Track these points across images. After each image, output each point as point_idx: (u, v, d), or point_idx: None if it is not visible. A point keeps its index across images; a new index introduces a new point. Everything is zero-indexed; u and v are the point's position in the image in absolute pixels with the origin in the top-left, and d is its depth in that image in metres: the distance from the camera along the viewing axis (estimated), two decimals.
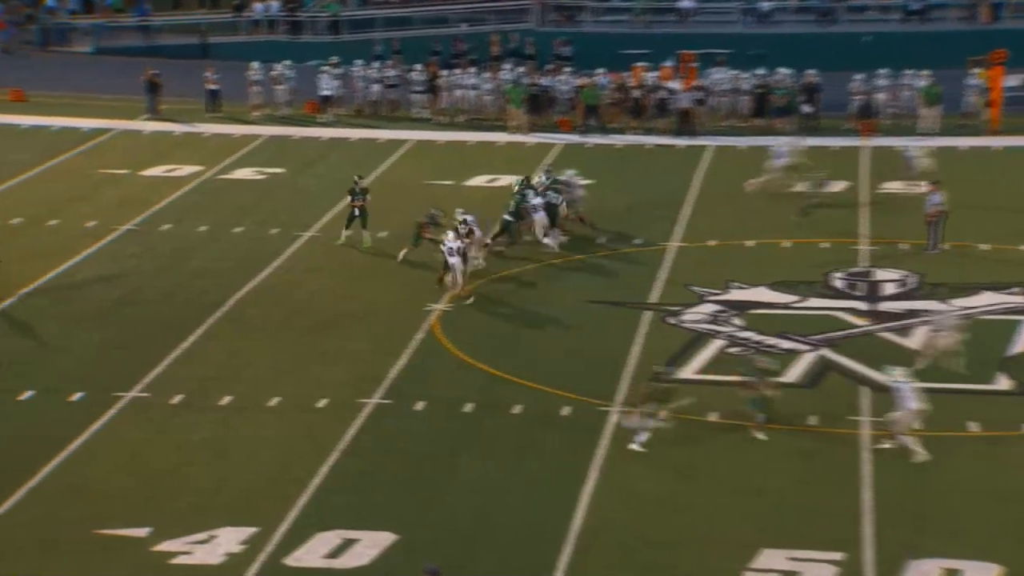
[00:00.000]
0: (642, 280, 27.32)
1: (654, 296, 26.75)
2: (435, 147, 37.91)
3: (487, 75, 41.04)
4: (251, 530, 18.68)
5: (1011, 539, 17.95)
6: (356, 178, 29.89)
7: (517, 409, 22.20)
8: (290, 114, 40.58)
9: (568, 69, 41.04)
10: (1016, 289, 26.19)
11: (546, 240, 28.87)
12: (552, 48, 44.22)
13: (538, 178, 30.38)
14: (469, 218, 27.26)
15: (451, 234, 26.54)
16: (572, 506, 19.12)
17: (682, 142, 37.62)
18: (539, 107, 39.47)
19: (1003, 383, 22.59)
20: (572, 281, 27.59)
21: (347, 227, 29.47)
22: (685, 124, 38.27)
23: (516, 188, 29.61)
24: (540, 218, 28.94)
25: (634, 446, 20.49)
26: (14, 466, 20.40)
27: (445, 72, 41.23)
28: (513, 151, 37.34)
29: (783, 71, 39.10)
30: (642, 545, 18.31)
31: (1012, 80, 38.43)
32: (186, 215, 31.84)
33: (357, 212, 29.26)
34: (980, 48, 39.62)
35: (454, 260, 26.20)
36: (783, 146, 33.14)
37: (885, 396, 22.07)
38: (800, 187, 31.57)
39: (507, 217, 28.93)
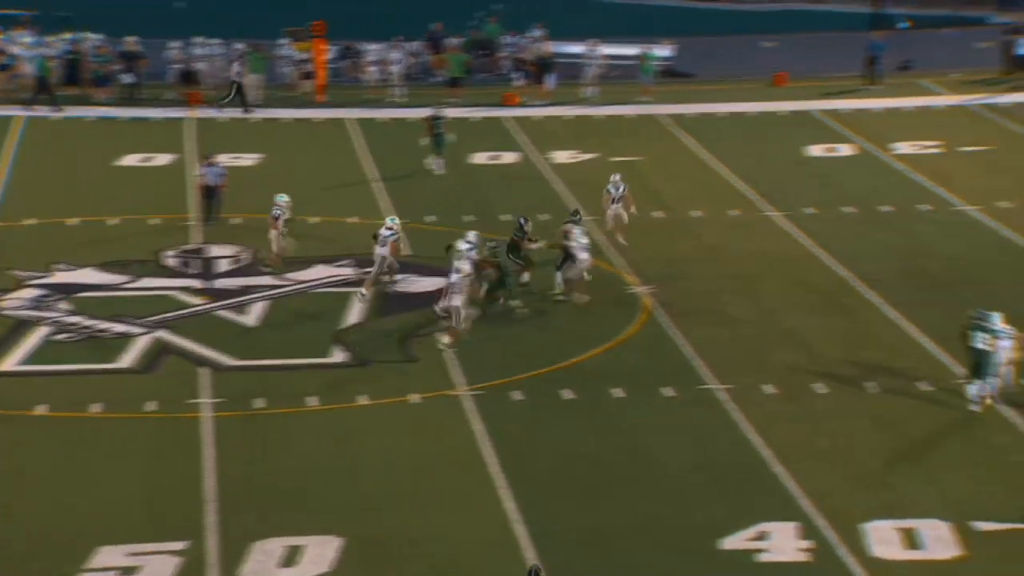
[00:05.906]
0: None
1: None
2: None
3: None
4: None
5: (354, 509, 19.05)
6: None
7: None
8: None
9: None
10: (346, 261, 27.73)
11: None
12: None
13: None
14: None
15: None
16: None
17: None
18: None
19: (338, 356, 23.91)
20: None
21: None
22: None
23: None
24: None
25: None
26: None
27: None
28: None
29: (98, 37, 38.78)
30: None
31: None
32: None
33: None
34: (292, 19, 41.34)
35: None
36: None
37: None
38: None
39: None
